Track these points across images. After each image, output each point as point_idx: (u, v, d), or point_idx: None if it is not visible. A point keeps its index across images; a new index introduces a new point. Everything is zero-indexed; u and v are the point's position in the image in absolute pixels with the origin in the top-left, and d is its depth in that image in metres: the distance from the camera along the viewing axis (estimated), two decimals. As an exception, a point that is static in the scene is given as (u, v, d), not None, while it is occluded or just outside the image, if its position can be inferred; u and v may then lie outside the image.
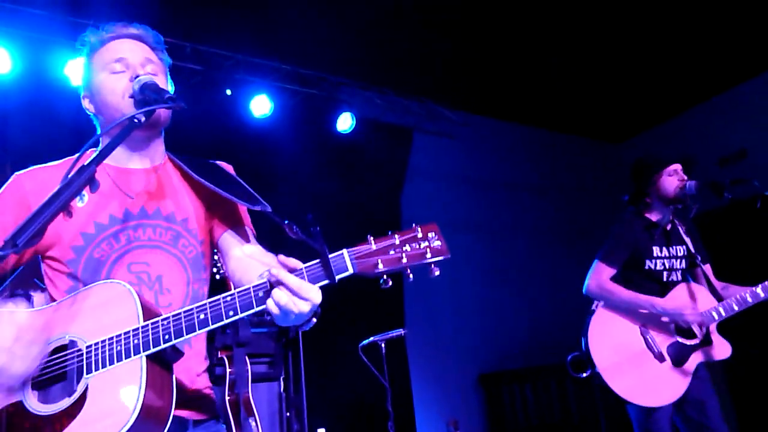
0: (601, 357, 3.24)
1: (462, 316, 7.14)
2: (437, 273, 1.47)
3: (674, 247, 3.44)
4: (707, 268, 3.47)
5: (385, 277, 1.46)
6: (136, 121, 1.52)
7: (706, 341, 3.27)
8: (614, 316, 3.34)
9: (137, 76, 1.70)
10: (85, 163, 1.41)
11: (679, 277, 3.45)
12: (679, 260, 3.44)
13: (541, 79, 6.89)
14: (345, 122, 6.18)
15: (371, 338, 4.60)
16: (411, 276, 1.48)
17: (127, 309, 1.50)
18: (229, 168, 1.91)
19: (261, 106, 5.66)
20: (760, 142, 6.83)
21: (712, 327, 3.31)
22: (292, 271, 1.42)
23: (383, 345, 4.59)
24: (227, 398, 4.01)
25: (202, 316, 1.45)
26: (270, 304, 1.41)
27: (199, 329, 1.45)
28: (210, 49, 5.39)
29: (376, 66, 6.26)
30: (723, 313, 3.25)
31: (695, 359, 3.26)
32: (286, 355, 4.85)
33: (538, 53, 6.42)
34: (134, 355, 1.44)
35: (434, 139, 7.05)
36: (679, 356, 3.25)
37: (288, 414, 4.64)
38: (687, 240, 3.42)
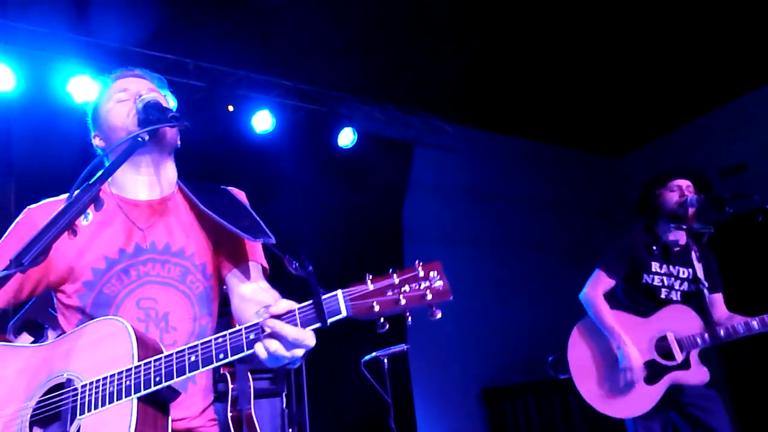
0: (575, 360, 3.36)
1: (464, 331, 7.11)
2: (439, 316, 1.39)
3: (677, 267, 3.41)
4: (716, 297, 3.42)
5: (382, 320, 1.38)
6: (140, 140, 1.53)
7: (685, 365, 3.24)
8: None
9: (140, 96, 1.72)
10: (90, 182, 1.42)
11: (678, 298, 3.40)
12: (680, 281, 3.41)
13: (540, 92, 6.92)
14: (346, 137, 6.21)
15: (373, 353, 4.58)
16: (410, 319, 1.40)
17: (123, 347, 1.48)
18: (240, 195, 1.90)
19: (263, 121, 5.68)
20: (761, 155, 6.85)
21: (694, 353, 3.26)
22: (285, 314, 1.39)
23: (386, 360, 4.57)
24: (230, 414, 3.99)
25: (193, 358, 1.42)
26: (259, 349, 1.38)
27: (189, 372, 1.42)
28: (212, 66, 5.43)
29: (376, 81, 6.30)
30: (708, 341, 3.21)
31: (668, 380, 3.22)
32: (288, 371, 4.83)
33: (537, 67, 6.46)
34: (125, 396, 1.43)
35: (435, 153, 7.07)
36: (652, 374, 3.24)
37: (290, 430, 4.62)
38: (697, 265, 3.39)
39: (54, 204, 1.74)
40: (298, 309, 1.39)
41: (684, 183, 3.39)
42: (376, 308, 1.37)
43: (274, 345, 1.36)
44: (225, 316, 1.89)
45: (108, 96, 1.83)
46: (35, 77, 4.72)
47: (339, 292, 1.39)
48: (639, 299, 3.37)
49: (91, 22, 4.85)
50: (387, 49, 5.89)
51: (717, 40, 6.24)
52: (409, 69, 6.22)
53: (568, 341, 3.43)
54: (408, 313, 1.40)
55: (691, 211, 3.31)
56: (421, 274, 1.40)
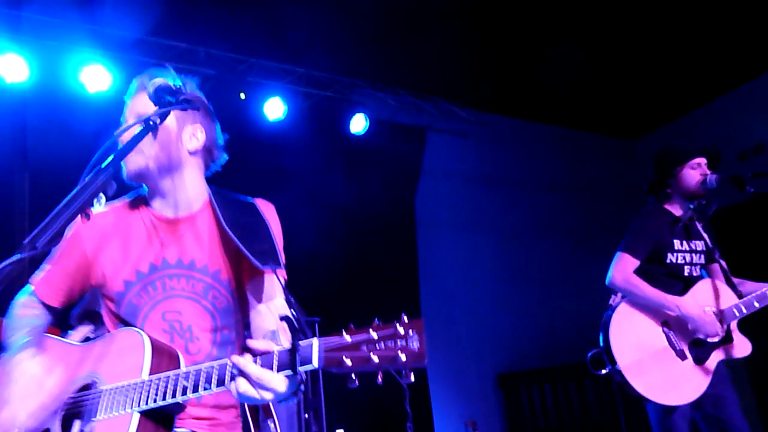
0: (623, 354, 3.17)
1: (479, 316, 7.11)
2: (412, 379, 1.32)
3: (694, 241, 3.38)
4: (724, 264, 3.41)
5: (353, 375, 1.33)
6: (151, 123, 1.52)
7: (727, 339, 3.22)
8: (636, 312, 3.27)
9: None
10: (102, 166, 1.42)
11: (698, 272, 3.39)
12: (698, 255, 3.38)
13: (554, 76, 6.84)
14: (358, 123, 6.18)
15: (388, 339, 4.58)
16: (380, 380, 1.34)
17: (136, 360, 1.60)
18: (267, 209, 1.90)
19: (274, 109, 5.67)
20: (779, 136, 6.74)
21: (733, 324, 3.26)
22: (262, 354, 1.41)
23: (400, 345, 4.57)
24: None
25: (184, 384, 1.51)
26: (231, 387, 1.44)
27: (180, 396, 1.51)
28: (223, 53, 5.42)
29: (388, 66, 6.26)
30: (744, 310, 3.20)
31: (716, 357, 3.20)
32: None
33: (551, 50, 6.38)
34: (129, 408, 1.54)
35: (448, 138, 7.03)
36: (700, 354, 3.19)
37: (306, 415, 4.64)
38: (705, 236, 3.37)
39: (97, 216, 1.86)
40: (278, 351, 1.41)
41: (702, 160, 3.34)
42: (348, 363, 1.32)
43: (243, 384, 1.41)
44: None
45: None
46: (48, 67, 4.74)
47: (315, 340, 1.37)
48: (663, 279, 3.30)
49: (103, 11, 4.85)
50: (399, 34, 5.85)
51: (734, 19, 6.12)
52: (421, 54, 6.17)
53: (609, 335, 3.20)
54: (380, 375, 1.34)
55: (711, 189, 3.26)
56: (402, 332, 1.32)
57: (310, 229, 5.17)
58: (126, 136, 1.59)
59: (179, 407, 1.58)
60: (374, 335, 1.33)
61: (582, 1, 5.75)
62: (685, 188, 3.33)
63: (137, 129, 1.53)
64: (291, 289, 1.63)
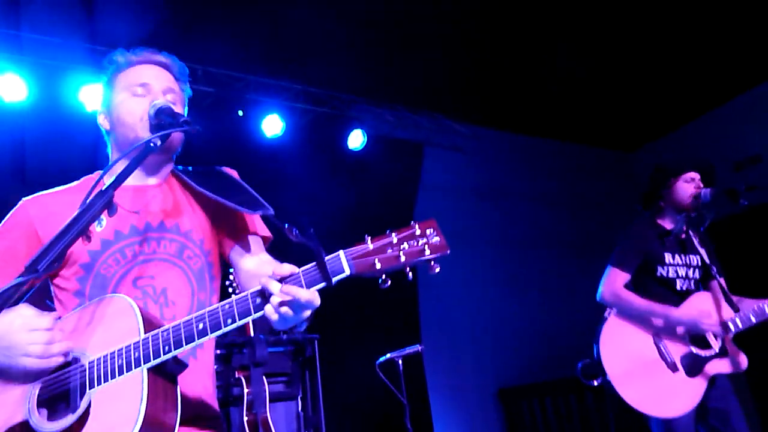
0: (613, 365, 3.19)
1: (478, 330, 7.09)
2: (437, 270, 1.43)
3: (688, 256, 3.39)
4: (722, 281, 3.40)
5: (383, 276, 1.43)
6: (152, 145, 1.54)
7: (722, 352, 3.21)
8: (627, 323, 3.29)
9: (153, 102, 1.73)
10: (103, 188, 1.43)
11: (693, 287, 3.38)
12: (692, 269, 3.38)
13: (550, 89, 6.89)
14: (356, 139, 6.21)
15: (388, 355, 4.57)
16: (411, 274, 1.44)
17: (129, 323, 1.50)
18: (233, 173, 1.92)
19: (272, 125, 5.70)
20: (775, 147, 6.77)
21: (729, 338, 3.24)
22: (288, 277, 1.43)
23: (400, 361, 4.56)
24: (245, 419, 4.00)
25: (201, 326, 1.44)
26: (268, 311, 1.41)
27: (198, 338, 1.44)
28: (221, 71, 5.45)
29: (385, 82, 6.30)
30: (740, 325, 3.19)
31: (710, 370, 3.19)
32: (303, 374, 4.83)
33: (546, 64, 6.43)
34: (135, 367, 1.44)
35: (446, 153, 7.06)
36: (692, 366, 3.18)
37: (307, 433, 4.62)
38: (701, 250, 3.38)
39: (48, 197, 1.78)
40: (302, 271, 1.43)
41: (696, 175, 3.37)
42: (378, 265, 1.41)
43: (282, 306, 1.40)
44: None
45: (125, 83, 1.81)
46: (47, 87, 4.76)
47: (341, 252, 1.43)
48: (656, 291, 3.31)
49: (101, 30, 4.88)
50: (396, 50, 5.89)
51: (729, 31, 6.18)
52: (417, 69, 6.21)
53: (599, 346, 3.24)
54: (408, 269, 1.43)
55: (704, 204, 3.28)
56: (418, 231, 1.44)
57: (308, 245, 5.16)
58: (132, 153, 1.57)
59: (181, 366, 1.51)
60: (395, 238, 1.44)
61: (577, 14, 5.79)
62: (677, 201, 3.35)
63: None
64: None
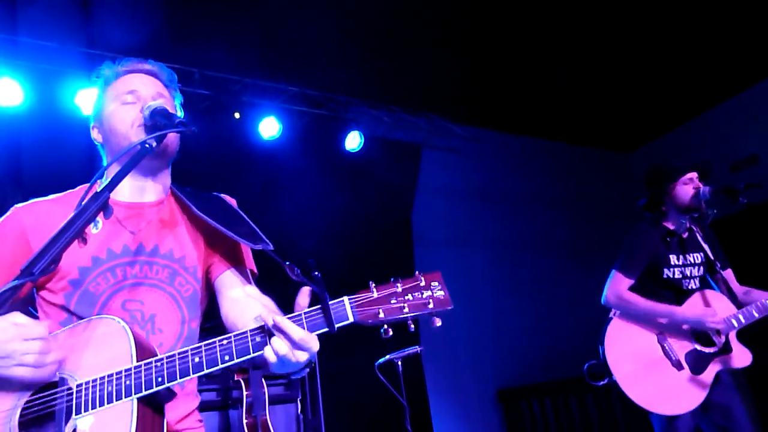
0: (619, 365, 3.22)
1: (478, 331, 7.09)
2: (439, 324, 1.44)
3: (691, 254, 3.40)
4: (728, 273, 3.44)
5: (385, 326, 1.42)
6: (147, 146, 1.52)
7: (726, 349, 3.23)
8: (631, 324, 3.32)
9: (147, 104, 1.71)
10: (98, 190, 1.42)
11: (698, 284, 3.41)
12: (696, 267, 3.41)
13: (548, 90, 6.89)
14: (353, 141, 6.21)
15: (387, 356, 4.56)
16: (412, 326, 1.45)
17: (121, 347, 1.46)
18: (232, 202, 1.89)
19: (269, 128, 5.69)
20: (772, 146, 6.78)
21: (732, 335, 3.27)
22: (291, 317, 1.41)
23: (400, 363, 4.55)
24: (245, 421, 3.99)
25: (197, 360, 1.42)
26: (268, 352, 1.38)
27: (193, 373, 1.41)
28: (217, 74, 5.45)
29: (382, 84, 6.30)
30: (743, 320, 3.22)
31: (714, 367, 3.22)
32: (303, 377, 4.82)
33: (544, 65, 6.43)
34: (126, 397, 1.40)
35: (443, 154, 7.06)
36: (697, 364, 3.20)
37: (306, 436, 4.60)
38: (705, 246, 3.40)
39: (41, 204, 1.73)
40: (305, 314, 1.42)
41: (694, 174, 3.39)
42: (381, 315, 1.42)
43: (284, 348, 1.37)
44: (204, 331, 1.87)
45: (114, 93, 1.79)
46: (43, 91, 4.75)
47: (345, 298, 1.43)
48: (662, 293, 3.33)
49: (97, 35, 4.88)
50: (392, 51, 5.89)
51: (724, 32, 6.19)
52: (415, 71, 6.22)
53: (605, 347, 3.27)
54: (410, 321, 1.44)
55: (704, 203, 3.30)
56: (423, 283, 1.46)
57: (306, 247, 5.16)
58: (126, 156, 1.55)
59: (171, 395, 1.47)
60: (400, 288, 1.44)
61: (575, 16, 5.80)
62: (679, 203, 3.37)
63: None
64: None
